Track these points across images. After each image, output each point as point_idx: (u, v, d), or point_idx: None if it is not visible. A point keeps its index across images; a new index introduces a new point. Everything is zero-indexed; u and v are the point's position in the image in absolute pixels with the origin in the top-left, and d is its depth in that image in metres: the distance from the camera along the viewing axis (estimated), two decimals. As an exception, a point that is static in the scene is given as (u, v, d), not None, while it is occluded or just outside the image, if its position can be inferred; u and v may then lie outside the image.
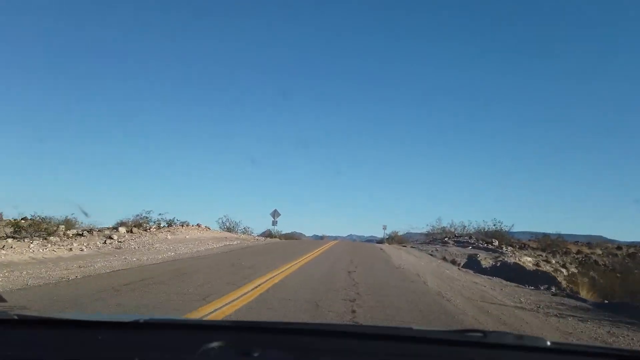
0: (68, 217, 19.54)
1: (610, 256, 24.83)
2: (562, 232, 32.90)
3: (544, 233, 31.38)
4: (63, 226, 18.05)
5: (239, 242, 21.57)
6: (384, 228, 53.55)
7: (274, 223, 33.69)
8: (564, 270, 17.09)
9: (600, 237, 45.95)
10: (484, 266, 16.41)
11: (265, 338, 1.75)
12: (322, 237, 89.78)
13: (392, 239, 78.51)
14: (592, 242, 34.53)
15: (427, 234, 39.64)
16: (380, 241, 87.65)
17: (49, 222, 17.31)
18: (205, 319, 4.99)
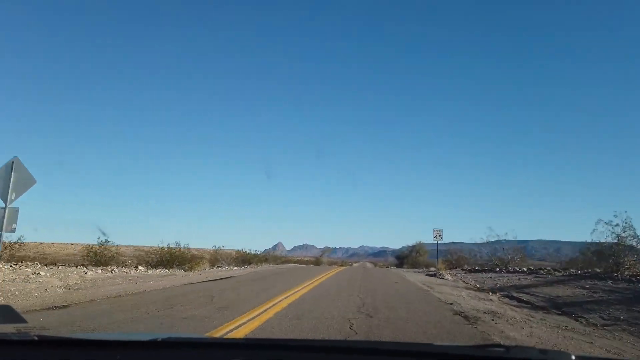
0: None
1: None
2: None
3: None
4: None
5: None
6: (438, 237, 27.56)
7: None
8: None
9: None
10: None
11: (283, 356, 1.74)
12: (320, 254, 64.53)
13: (418, 252, 54.15)
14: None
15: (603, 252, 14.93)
16: (402, 258, 60.94)
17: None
18: (223, 337, 4.92)
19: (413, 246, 56.74)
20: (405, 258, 57.59)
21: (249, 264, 34.23)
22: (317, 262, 61.28)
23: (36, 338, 1.79)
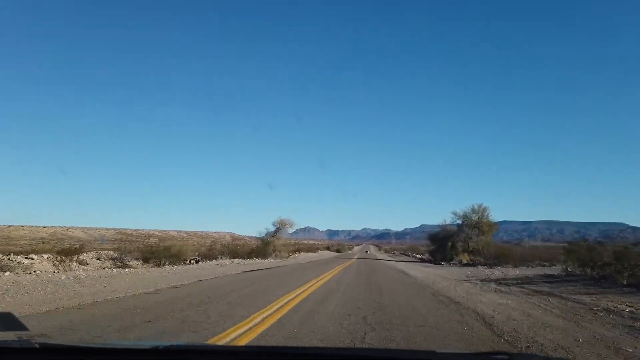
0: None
1: None
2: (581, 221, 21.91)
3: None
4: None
5: None
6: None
7: None
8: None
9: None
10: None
11: None
12: (274, 231, 50.72)
13: (477, 226, 41.73)
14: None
15: None
16: (442, 239, 41.37)
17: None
18: (228, 344, 4.77)
19: (465, 217, 30.36)
20: (450, 239, 32.06)
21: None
22: (263, 247, 34.20)
23: (37, 346, 1.78)
